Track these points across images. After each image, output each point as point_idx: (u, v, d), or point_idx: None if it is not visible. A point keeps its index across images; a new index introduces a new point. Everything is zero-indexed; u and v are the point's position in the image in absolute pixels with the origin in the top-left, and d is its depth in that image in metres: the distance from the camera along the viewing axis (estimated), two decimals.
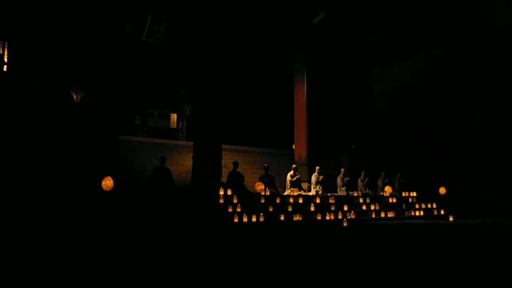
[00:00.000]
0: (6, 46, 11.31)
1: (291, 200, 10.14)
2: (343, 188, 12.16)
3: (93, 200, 8.60)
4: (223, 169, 10.79)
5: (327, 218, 9.71)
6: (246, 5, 12.28)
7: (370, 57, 15.99)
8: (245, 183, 10.90)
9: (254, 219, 8.55)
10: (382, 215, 10.69)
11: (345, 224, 9.11)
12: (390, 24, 14.74)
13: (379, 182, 13.22)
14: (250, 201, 9.42)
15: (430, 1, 14.13)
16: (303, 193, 11.27)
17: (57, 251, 5.33)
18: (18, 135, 10.06)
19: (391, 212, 10.88)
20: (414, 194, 12.47)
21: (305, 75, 13.47)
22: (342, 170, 12.56)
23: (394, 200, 11.97)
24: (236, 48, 13.57)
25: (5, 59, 11.18)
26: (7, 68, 11.19)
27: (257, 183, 10.63)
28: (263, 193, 10.14)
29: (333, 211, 10.04)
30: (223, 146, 11.18)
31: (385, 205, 11.44)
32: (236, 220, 8.40)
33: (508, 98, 14.27)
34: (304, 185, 12.14)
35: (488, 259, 4.89)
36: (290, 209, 9.65)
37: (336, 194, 11.65)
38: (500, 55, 14.34)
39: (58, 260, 4.61)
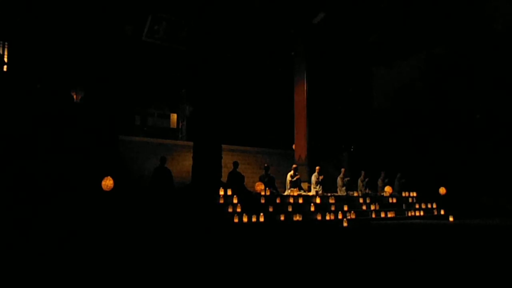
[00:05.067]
0: (6, 46, 11.31)
1: (291, 200, 10.14)
2: (343, 188, 12.16)
3: (93, 200, 8.60)
4: (223, 169, 10.79)
5: (327, 218, 9.71)
6: (246, 5, 12.28)
7: (370, 57, 15.99)
8: (245, 183, 10.90)
9: (254, 219, 8.55)
10: (382, 215, 10.69)
11: (345, 224, 9.11)
12: (390, 24, 14.73)
13: (379, 182, 13.22)
14: (250, 201, 9.41)
15: (430, 1, 14.13)
16: (303, 193, 11.26)
17: (57, 250, 5.33)
18: (18, 135, 10.05)
19: (391, 212, 10.88)
20: (414, 194, 12.47)
21: (305, 75, 13.45)
22: (342, 170, 12.55)
23: (394, 200, 11.98)
24: (236, 48, 13.58)
25: (5, 59, 11.19)
26: (7, 68, 11.19)
27: (257, 183, 10.63)
28: (263, 193, 10.14)
29: (333, 211, 10.04)
30: (223, 146, 11.17)
31: (385, 205, 11.43)
32: (236, 220, 8.39)
33: (508, 98, 14.27)
34: (304, 185, 12.14)
35: (488, 259, 4.89)
36: (290, 209, 9.65)
37: (336, 194, 11.65)
38: (500, 55, 14.34)
39: (58, 260, 4.61)
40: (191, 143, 11.27)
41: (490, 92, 14.63)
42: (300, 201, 10.31)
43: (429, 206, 12.08)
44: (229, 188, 9.60)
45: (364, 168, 12.97)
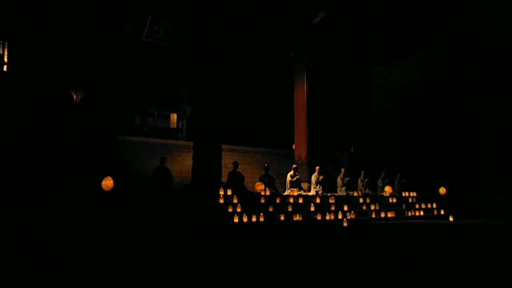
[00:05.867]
0: (6, 46, 11.30)
1: (291, 200, 10.14)
2: (343, 188, 12.16)
3: (93, 200, 8.60)
4: (223, 169, 10.78)
5: (327, 218, 9.70)
6: (246, 5, 12.28)
7: (370, 57, 15.98)
8: (245, 183, 10.90)
9: (254, 219, 8.55)
10: (382, 215, 10.69)
11: (345, 224, 9.11)
12: (390, 24, 14.73)
13: (379, 182, 13.22)
14: (250, 201, 9.41)
15: (430, 1, 14.14)
16: (303, 193, 11.26)
17: (57, 250, 5.33)
18: (18, 135, 10.05)
19: (391, 212, 10.87)
20: (414, 194, 12.47)
21: (305, 75, 13.45)
22: (342, 170, 12.55)
23: (394, 200, 11.97)
24: (236, 48, 13.57)
25: (5, 59, 11.18)
26: (7, 68, 11.19)
27: (257, 183, 10.63)
28: (263, 193, 10.14)
29: (333, 211, 10.04)
30: (223, 146, 11.17)
31: (385, 205, 11.43)
32: (236, 220, 8.39)
33: (508, 98, 14.27)
34: (304, 185, 12.13)
35: (488, 259, 4.89)
36: (290, 209, 9.65)
37: (336, 194, 11.65)
38: (500, 55, 14.34)
39: (58, 260, 4.61)
40: (191, 143, 11.26)
41: (490, 92, 14.63)
42: (300, 201, 10.31)
43: (429, 206, 12.08)
44: (229, 188, 9.60)
45: (364, 168, 12.97)
